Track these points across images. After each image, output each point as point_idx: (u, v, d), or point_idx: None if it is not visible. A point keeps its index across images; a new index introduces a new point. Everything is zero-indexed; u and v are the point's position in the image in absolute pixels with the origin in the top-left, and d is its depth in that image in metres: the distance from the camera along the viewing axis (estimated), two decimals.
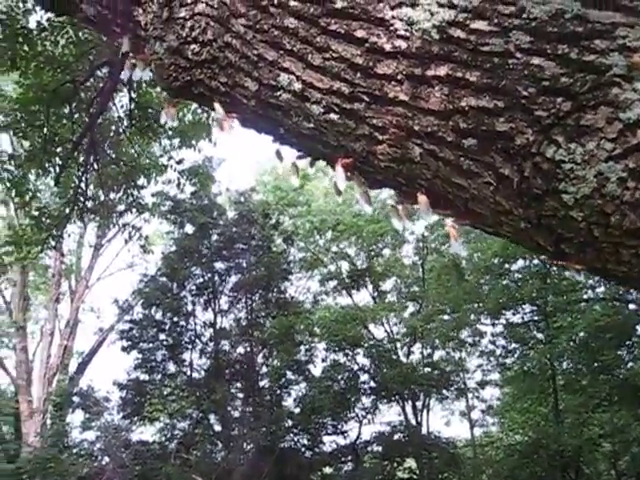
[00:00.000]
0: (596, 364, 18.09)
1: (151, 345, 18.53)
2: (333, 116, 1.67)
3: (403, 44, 1.55)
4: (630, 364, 18.39)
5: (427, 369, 19.71)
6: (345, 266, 21.10)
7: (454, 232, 1.65)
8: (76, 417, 20.15)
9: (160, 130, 12.23)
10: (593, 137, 1.30)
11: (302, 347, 18.84)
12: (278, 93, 1.77)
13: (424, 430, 19.93)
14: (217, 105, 1.93)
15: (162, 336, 18.63)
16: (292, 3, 1.75)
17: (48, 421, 21.21)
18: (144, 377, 18.52)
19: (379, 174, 1.68)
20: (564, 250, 1.43)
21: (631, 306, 18.40)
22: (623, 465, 18.14)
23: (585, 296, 19.00)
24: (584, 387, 17.73)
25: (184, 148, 13.13)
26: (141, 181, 12.92)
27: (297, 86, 1.72)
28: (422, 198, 1.60)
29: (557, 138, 1.34)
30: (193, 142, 12.80)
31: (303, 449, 19.33)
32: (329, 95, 1.66)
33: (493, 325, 20.02)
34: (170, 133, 12.64)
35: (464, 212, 1.60)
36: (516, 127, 1.38)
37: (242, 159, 47.48)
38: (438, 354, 20.56)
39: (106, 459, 19.06)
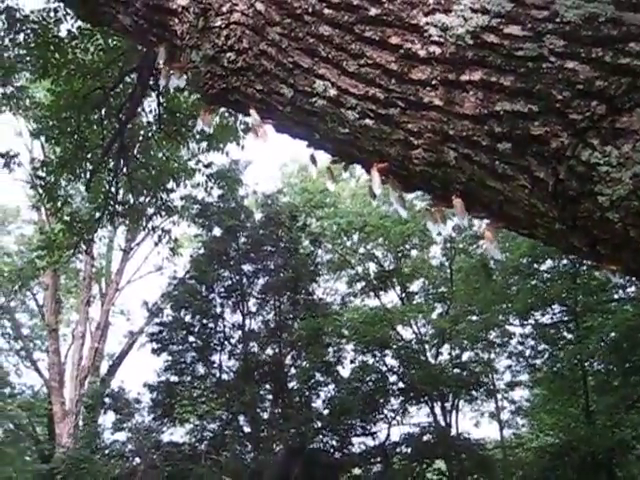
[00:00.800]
0: (627, 364, 17.88)
1: (180, 347, 18.71)
2: (368, 121, 1.69)
3: (437, 50, 1.57)
4: None
5: (456, 370, 19.64)
6: (372, 267, 21.14)
7: (490, 235, 1.67)
8: (108, 418, 20.42)
9: (188, 134, 12.38)
10: (629, 139, 1.31)
11: (330, 349, 18.89)
12: (313, 99, 1.80)
13: (453, 431, 19.84)
14: (253, 111, 1.97)
15: (191, 338, 18.80)
16: (326, 11, 1.78)
17: (80, 422, 21.52)
18: (174, 379, 18.70)
19: (414, 178, 1.70)
20: (600, 251, 1.45)
21: None
22: None
23: (615, 296, 18.78)
24: (616, 388, 17.51)
25: (212, 152, 13.29)
26: (170, 185, 13.08)
27: (332, 92, 1.75)
28: (457, 201, 1.62)
29: (592, 141, 1.36)
30: (221, 145, 12.93)
31: (332, 450, 19.36)
32: (364, 101, 1.69)
33: (522, 326, 19.90)
34: (198, 137, 12.77)
35: (499, 215, 1.62)
36: (551, 131, 1.40)
37: (269, 161, 47.71)
38: (466, 355, 20.46)
39: (137, 460, 19.28)
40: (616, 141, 1.33)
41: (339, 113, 1.75)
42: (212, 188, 15.06)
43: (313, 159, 2.06)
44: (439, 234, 1.75)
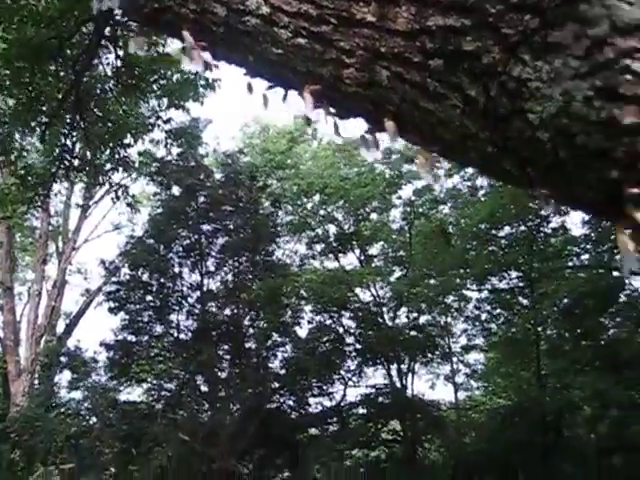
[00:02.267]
0: (579, 330, 18.31)
1: (138, 306, 18.58)
2: (301, 40, 1.63)
3: None
4: (612, 330, 18.61)
5: (412, 333, 19.89)
6: (332, 230, 21.12)
7: (423, 160, 1.62)
8: (64, 377, 20.30)
9: (148, 89, 12.09)
10: (560, 54, 1.27)
11: (288, 309, 18.93)
12: (246, 18, 1.73)
13: (409, 393, 20.16)
14: (185, 33, 1.88)
15: (149, 297, 18.67)
16: None
17: (36, 381, 21.29)
18: (131, 338, 18.61)
19: (347, 100, 1.65)
20: (530, 174, 1.41)
21: (615, 273, 18.52)
22: (602, 429, 18.40)
23: (570, 263, 19.13)
24: (567, 352, 17.95)
25: (172, 109, 13.04)
26: (128, 140, 12.79)
27: (265, 10, 1.67)
28: (389, 124, 1.57)
29: (524, 56, 1.31)
30: (181, 103, 12.69)
31: (289, 410, 19.55)
32: (297, 18, 1.62)
33: (479, 291, 20.17)
34: (158, 93, 12.51)
35: (431, 139, 1.57)
36: (483, 46, 1.35)
37: (230, 122, 47.15)
38: (424, 318, 20.72)
39: (93, 419, 19.23)
40: (547, 56, 1.28)
41: (272, 32, 1.68)
42: (171, 145, 14.78)
43: (250, 87, 1.98)
44: (375, 160, 1.70)
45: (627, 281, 18.71)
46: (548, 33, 1.28)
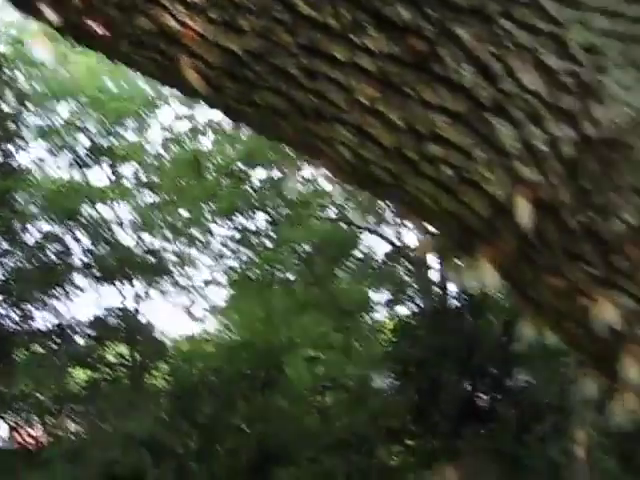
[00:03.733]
0: (312, 276, 19.42)
1: None
2: None
3: None
4: (342, 280, 19.96)
5: (152, 258, 19.58)
6: (84, 140, 19.85)
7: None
8: None
9: None
10: None
11: (19, 215, 17.60)
12: None
13: (142, 319, 19.99)
14: None
15: None
16: None
17: None
18: None
19: None
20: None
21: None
22: (319, 369, 19.79)
23: (316, 214, 20.05)
24: (294, 292, 19.00)
25: None
26: None
27: None
28: None
29: None
30: None
31: (11, 324, 18.46)
32: None
33: (225, 227, 20.41)
34: None
35: None
36: None
37: None
38: (168, 247, 20.48)
39: None
40: None
41: None
42: None
43: None
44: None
45: (362, 237, 20.21)
46: None
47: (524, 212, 1.02)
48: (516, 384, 18.67)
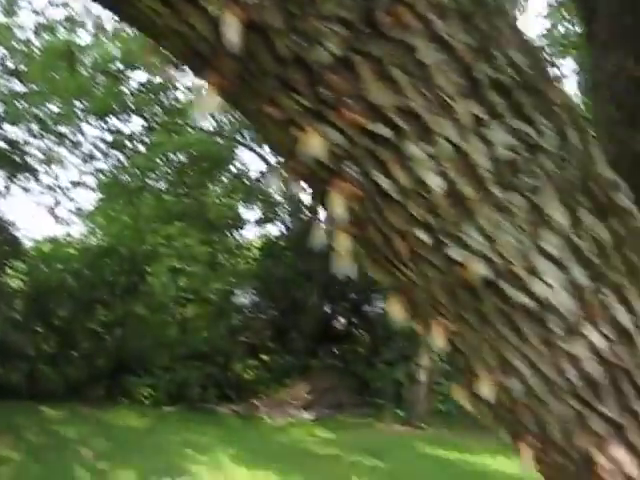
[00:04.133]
0: (185, 185, 19.18)
1: None
2: None
3: None
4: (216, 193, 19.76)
5: (15, 151, 18.50)
6: None
7: None
8: None
9: None
10: None
11: None
12: None
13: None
14: None
15: None
16: None
17: None
18: None
19: None
20: None
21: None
22: (182, 281, 19.69)
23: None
24: (164, 202, 18.72)
25: None
26: None
27: None
28: None
29: None
30: None
31: None
32: None
33: (98, 128, 19.60)
34: None
35: None
36: None
37: None
38: (33, 142, 19.40)
39: None
40: None
41: None
42: None
43: None
44: None
45: (239, 153, 20.04)
46: None
47: (232, 31, 1.02)
48: (373, 310, 19.47)
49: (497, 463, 11.28)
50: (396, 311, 1.31)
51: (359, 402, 16.75)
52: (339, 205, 1.13)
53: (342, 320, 20.04)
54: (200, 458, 11.90)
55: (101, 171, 20.62)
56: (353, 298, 19.75)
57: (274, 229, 20.43)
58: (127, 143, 19.77)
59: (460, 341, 1.25)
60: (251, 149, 19.25)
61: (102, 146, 19.95)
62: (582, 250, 1.13)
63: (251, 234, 20.92)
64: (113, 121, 19.23)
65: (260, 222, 20.09)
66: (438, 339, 1.22)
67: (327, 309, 19.68)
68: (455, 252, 1.11)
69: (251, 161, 20.09)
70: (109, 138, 19.76)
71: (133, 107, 18.77)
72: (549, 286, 1.13)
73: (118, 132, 19.53)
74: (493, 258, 1.10)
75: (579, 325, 1.17)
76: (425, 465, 11.96)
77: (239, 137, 19.19)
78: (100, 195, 21.42)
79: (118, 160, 20.15)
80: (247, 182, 19.84)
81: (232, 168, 20.11)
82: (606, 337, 1.19)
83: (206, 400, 16.59)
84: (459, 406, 1.49)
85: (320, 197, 1.22)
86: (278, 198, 19.61)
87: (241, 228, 20.12)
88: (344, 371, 17.85)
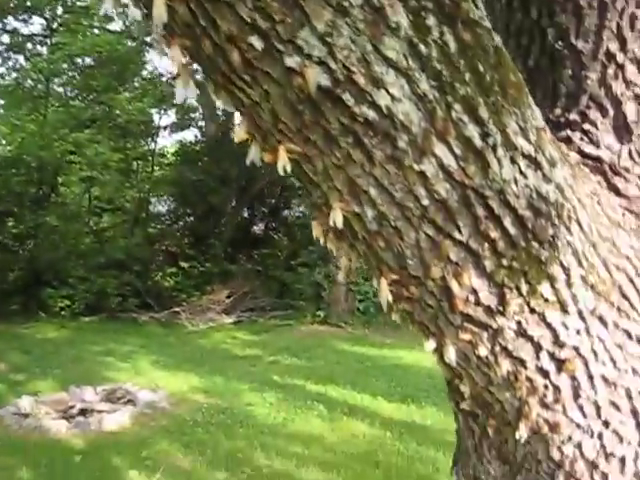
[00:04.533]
0: (93, 92, 18.29)
1: None
2: None
3: None
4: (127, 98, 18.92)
5: None
6: None
7: None
8: None
9: None
10: None
11: None
12: None
13: None
14: None
15: None
16: None
17: None
18: None
19: None
20: None
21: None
22: (95, 191, 19.08)
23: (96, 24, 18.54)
24: (71, 107, 17.87)
25: None
26: None
27: None
28: None
29: None
30: None
31: None
32: None
33: None
34: None
35: None
36: None
37: None
38: None
39: None
40: None
41: None
42: None
43: None
44: None
45: (150, 57, 19.16)
46: None
47: None
48: (291, 214, 19.49)
49: (412, 356, 11.66)
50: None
51: (279, 305, 16.94)
52: (160, 6, 1.02)
53: (261, 225, 19.98)
54: (121, 365, 11.87)
55: (0, 75, 19.42)
56: (271, 202, 19.65)
57: (189, 134, 19.90)
58: (28, 45, 18.58)
59: (310, 168, 1.18)
60: (162, 52, 18.35)
61: (0, 49, 18.69)
62: (428, 58, 1.06)
63: (167, 141, 20.24)
64: (11, 21, 17.96)
65: (174, 127, 19.48)
66: (284, 163, 1.14)
67: (245, 214, 19.55)
68: (292, 61, 1.02)
69: (163, 64, 19.16)
70: (6, 40, 18.51)
71: (31, 5, 17.51)
72: (394, 98, 1.06)
73: (18, 33, 18.28)
74: (331, 65, 1.01)
75: (429, 143, 1.11)
76: (343, 360, 12.28)
77: (149, 39, 18.27)
78: (1, 101, 20.21)
79: (19, 64, 18.97)
80: (159, 87, 19.04)
81: (144, 73, 19.27)
82: (456, 156, 1.14)
83: (126, 309, 16.44)
84: (378, 305, 1.44)
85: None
86: (193, 103, 18.98)
87: (156, 135, 19.46)
88: (264, 275, 17.92)
